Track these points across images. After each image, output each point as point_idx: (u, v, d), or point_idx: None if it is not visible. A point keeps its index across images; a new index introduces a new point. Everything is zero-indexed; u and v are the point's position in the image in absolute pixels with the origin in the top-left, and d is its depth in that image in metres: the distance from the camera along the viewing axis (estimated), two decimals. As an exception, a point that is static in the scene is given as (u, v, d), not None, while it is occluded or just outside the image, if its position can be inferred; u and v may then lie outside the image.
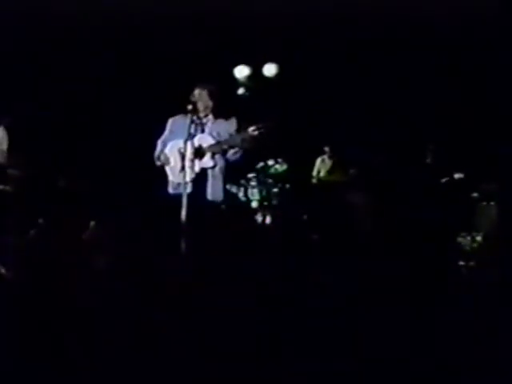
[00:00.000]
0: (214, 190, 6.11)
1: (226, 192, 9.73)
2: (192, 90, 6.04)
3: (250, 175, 10.07)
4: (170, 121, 6.21)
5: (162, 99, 6.27)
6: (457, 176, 8.41)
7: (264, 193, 9.96)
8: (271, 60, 10.23)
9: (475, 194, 8.26)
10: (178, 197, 5.77)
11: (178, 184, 5.90)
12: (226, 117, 6.11)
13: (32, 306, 4.80)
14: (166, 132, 6.22)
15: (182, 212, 5.66)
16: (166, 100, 6.24)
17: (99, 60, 9.12)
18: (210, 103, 6.04)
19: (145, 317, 4.55)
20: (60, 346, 4.01)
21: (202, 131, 5.99)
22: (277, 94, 9.99)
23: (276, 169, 10.29)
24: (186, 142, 5.79)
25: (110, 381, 3.64)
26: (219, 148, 5.98)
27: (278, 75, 10.27)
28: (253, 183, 10.00)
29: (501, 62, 8.45)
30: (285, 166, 10.32)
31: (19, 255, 6.16)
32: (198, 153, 5.90)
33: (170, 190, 6.13)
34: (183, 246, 5.60)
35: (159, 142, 6.22)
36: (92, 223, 7.41)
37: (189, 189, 5.79)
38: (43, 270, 5.80)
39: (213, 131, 6.02)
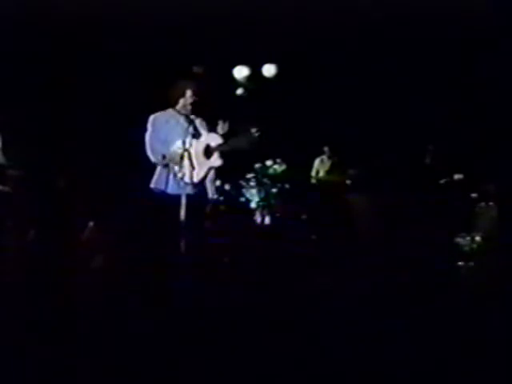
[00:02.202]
0: (213, 190, 6.09)
1: (226, 192, 9.80)
2: (182, 89, 6.02)
3: (249, 175, 10.08)
4: (153, 118, 5.97)
5: (161, 99, 6.25)
6: (457, 176, 8.41)
7: (263, 193, 9.97)
8: (271, 60, 10.23)
9: (475, 194, 8.26)
10: (178, 196, 5.73)
11: (186, 183, 5.77)
12: (208, 116, 6.08)
13: (32, 306, 4.80)
14: (156, 129, 5.95)
15: (181, 211, 5.63)
16: (166, 100, 6.20)
17: (98, 59, 9.12)
18: (196, 101, 5.97)
19: (144, 316, 4.56)
20: (59, 346, 4.02)
21: (195, 129, 5.95)
22: (276, 94, 9.98)
23: (275, 169, 10.30)
24: (192, 141, 5.77)
25: (110, 381, 3.64)
26: (228, 147, 5.93)
27: (277, 75, 10.26)
28: (252, 183, 10.02)
29: (501, 61, 8.45)
30: (284, 167, 10.33)
31: (19, 255, 6.16)
32: (207, 152, 5.87)
33: (171, 190, 5.99)
34: (182, 244, 5.59)
35: (151, 140, 5.94)
36: (91, 223, 7.42)
37: (189, 189, 5.73)
38: (43, 270, 5.80)
39: (205, 129, 6.02)
